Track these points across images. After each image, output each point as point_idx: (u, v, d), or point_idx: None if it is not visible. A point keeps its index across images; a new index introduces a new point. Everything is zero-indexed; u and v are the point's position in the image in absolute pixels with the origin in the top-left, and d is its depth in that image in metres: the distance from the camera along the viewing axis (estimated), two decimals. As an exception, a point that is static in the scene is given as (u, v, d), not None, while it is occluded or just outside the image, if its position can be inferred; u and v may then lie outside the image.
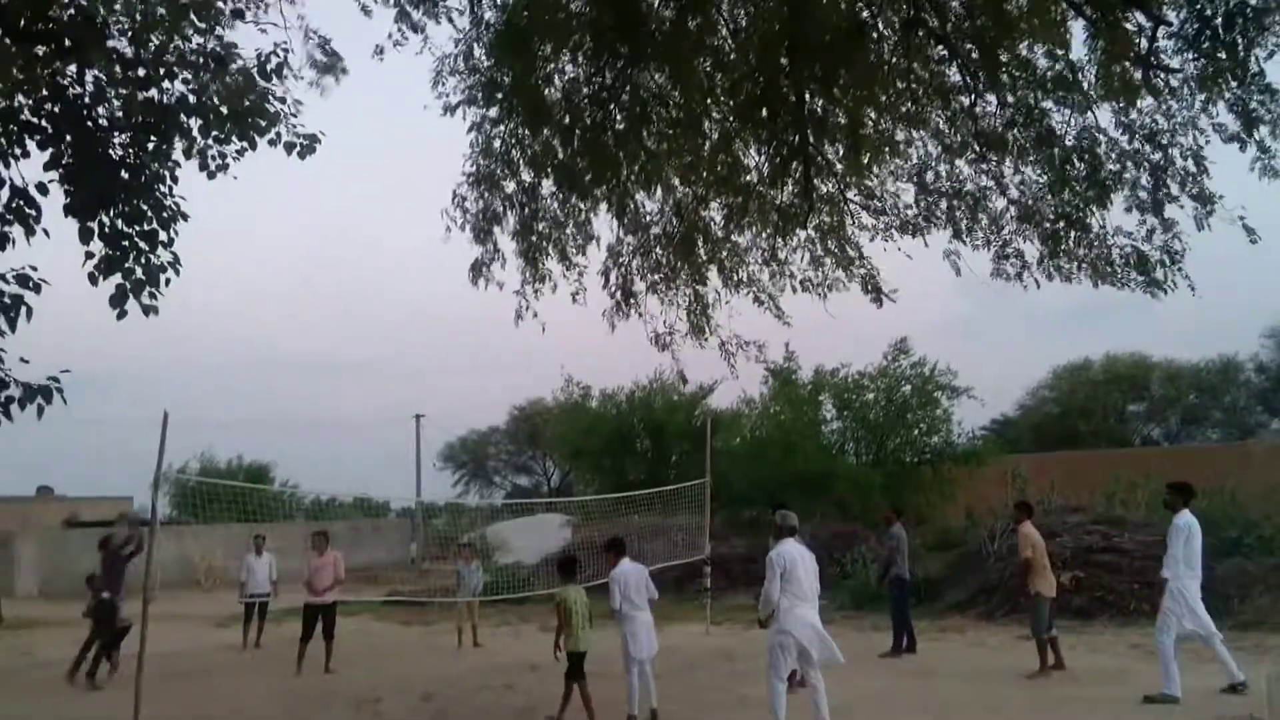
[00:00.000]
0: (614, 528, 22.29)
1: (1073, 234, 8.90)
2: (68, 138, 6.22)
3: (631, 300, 10.67)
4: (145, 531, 12.47)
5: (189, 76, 6.73)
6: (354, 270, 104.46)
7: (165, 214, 6.41)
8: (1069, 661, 12.62)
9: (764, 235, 10.52)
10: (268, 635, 18.08)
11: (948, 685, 11.87)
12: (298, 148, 7.04)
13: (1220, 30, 7.31)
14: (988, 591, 18.12)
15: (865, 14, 8.66)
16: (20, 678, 15.02)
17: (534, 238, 10.20)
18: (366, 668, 14.71)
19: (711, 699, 11.36)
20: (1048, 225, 8.99)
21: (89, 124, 6.37)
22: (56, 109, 6.30)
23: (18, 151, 6.15)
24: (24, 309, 5.91)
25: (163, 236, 6.29)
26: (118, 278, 6.11)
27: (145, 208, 6.28)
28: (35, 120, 6.27)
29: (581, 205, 10.23)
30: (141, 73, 6.55)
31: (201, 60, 6.78)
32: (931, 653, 14.42)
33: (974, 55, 8.72)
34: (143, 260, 6.21)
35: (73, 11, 6.15)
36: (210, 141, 6.85)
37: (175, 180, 6.59)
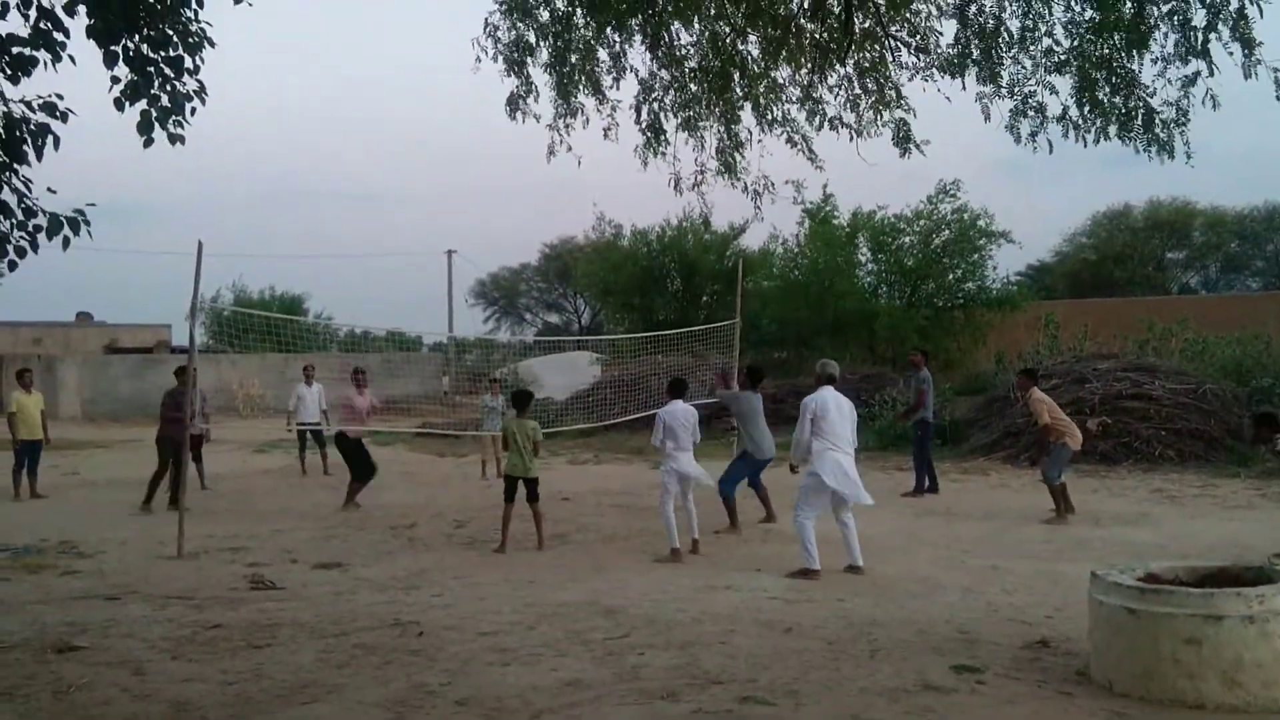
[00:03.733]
0: (643, 367, 22.51)
1: (1108, 82, 8.57)
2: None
3: (661, 136, 10.47)
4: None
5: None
6: (386, 105, 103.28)
7: (191, 40, 6.27)
8: (1092, 505, 12.80)
9: (801, 72, 10.21)
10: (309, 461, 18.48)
11: (967, 525, 12.10)
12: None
13: None
14: (1013, 435, 18.29)
15: None
16: (68, 496, 15.59)
17: (567, 69, 9.95)
18: (401, 495, 15.15)
19: (738, 534, 11.65)
20: (1087, 70, 8.60)
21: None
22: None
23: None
24: (51, 138, 5.88)
25: (188, 63, 6.17)
26: (143, 104, 6.04)
27: (170, 32, 6.15)
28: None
29: (615, 36, 9.94)
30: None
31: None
32: (953, 494, 14.66)
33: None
34: (168, 88, 6.12)
35: None
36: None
37: (201, 4, 6.43)
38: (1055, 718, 5.24)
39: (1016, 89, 9.20)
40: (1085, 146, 8.87)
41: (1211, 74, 8.10)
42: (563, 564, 10.12)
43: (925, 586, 8.70)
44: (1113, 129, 8.68)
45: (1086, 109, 8.76)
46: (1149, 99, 8.52)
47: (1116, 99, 8.63)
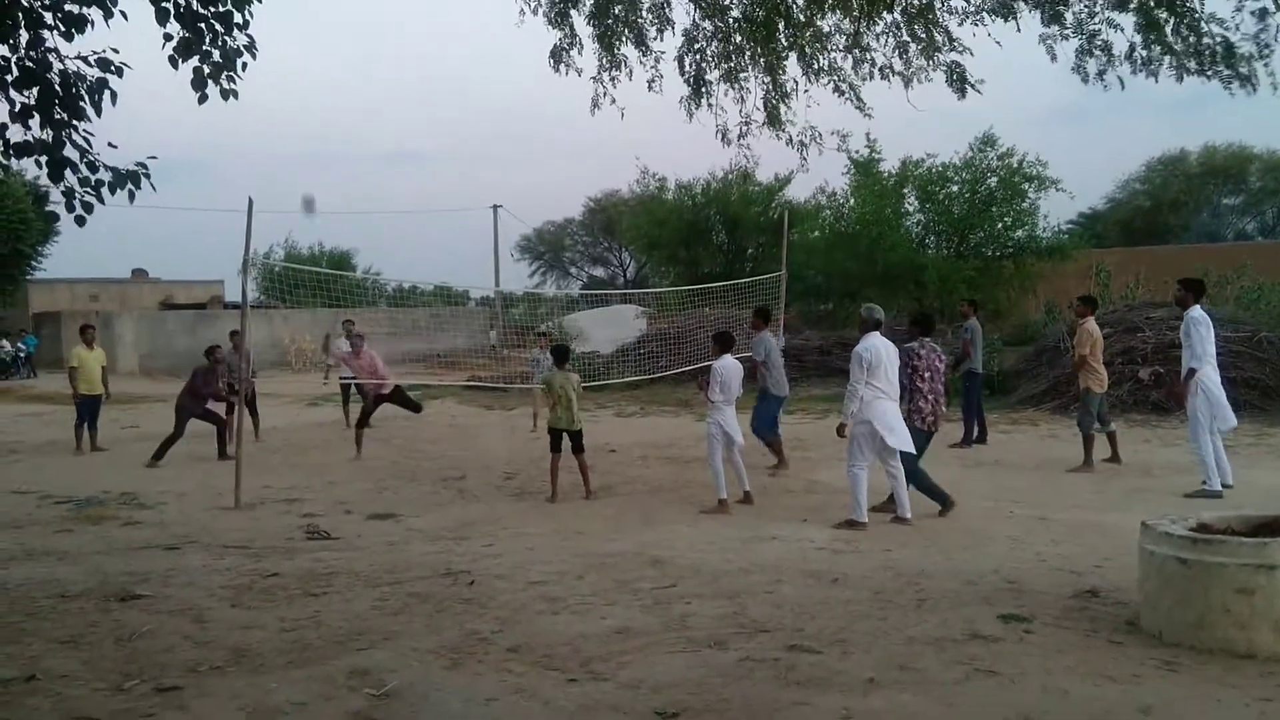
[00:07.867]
0: (689, 320, 22.48)
1: (1171, 20, 8.35)
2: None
3: (704, 89, 10.36)
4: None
5: None
6: (433, 62, 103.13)
7: (239, -6, 6.31)
8: (1143, 454, 12.67)
9: (848, 19, 10.04)
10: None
11: (1016, 475, 12.04)
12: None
13: None
14: (1063, 386, 18.09)
15: None
16: (128, 449, 15.92)
17: (610, 21, 9.87)
18: (451, 448, 15.32)
19: (784, 484, 11.69)
20: (1149, 6, 8.39)
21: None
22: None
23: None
24: (108, 93, 5.96)
25: (237, 18, 6.22)
26: (195, 61, 6.10)
27: (218, -13, 6.20)
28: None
29: (658, -15, 9.83)
30: None
31: None
32: (1003, 444, 14.57)
33: None
34: (219, 43, 6.17)
35: None
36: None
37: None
38: (1104, 667, 5.23)
39: (1082, 27, 9.00)
40: (1157, 82, 8.68)
41: (1279, 8, 7.88)
42: (610, 515, 10.21)
43: (973, 537, 8.69)
44: (1191, 63, 8.47)
45: (1153, 48, 8.57)
46: (1226, 32, 8.30)
47: (1183, 33, 8.42)
